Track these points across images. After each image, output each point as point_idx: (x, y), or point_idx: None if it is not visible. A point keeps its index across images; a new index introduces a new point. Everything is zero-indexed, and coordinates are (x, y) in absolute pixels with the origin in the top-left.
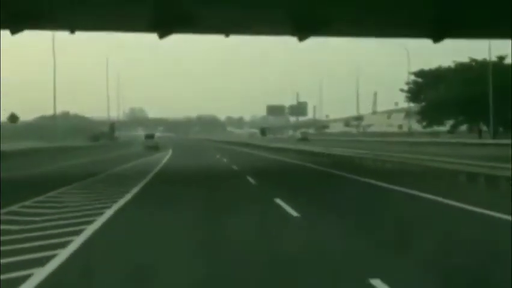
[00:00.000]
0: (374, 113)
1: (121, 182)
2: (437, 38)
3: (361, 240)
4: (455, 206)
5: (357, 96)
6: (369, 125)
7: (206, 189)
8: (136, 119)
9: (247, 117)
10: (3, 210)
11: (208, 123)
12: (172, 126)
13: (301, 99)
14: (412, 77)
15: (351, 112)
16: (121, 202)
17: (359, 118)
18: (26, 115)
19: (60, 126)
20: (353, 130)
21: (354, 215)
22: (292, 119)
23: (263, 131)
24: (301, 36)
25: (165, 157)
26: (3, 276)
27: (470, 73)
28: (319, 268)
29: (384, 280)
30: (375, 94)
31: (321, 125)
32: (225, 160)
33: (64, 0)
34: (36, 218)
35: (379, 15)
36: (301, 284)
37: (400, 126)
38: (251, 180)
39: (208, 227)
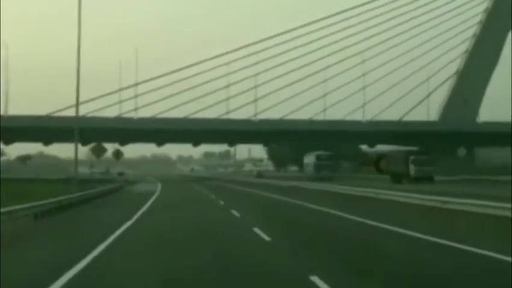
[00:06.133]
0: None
1: (149, 182)
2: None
3: (207, 190)
4: (240, 188)
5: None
6: (267, 165)
7: (170, 182)
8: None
9: (196, 156)
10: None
11: (162, 161)
12: (129, 164)
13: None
14: None
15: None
16: (159, 183)
17: (261, 160)
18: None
19: (42, 165)
20: (255, 168)
21: (200, 184)
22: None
23: (192, 169)
24: (230, 145)
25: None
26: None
27: None
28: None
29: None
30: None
31: (239, 164)
32: (169, 179)
33: None
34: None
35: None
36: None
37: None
38: (189, 182)
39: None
